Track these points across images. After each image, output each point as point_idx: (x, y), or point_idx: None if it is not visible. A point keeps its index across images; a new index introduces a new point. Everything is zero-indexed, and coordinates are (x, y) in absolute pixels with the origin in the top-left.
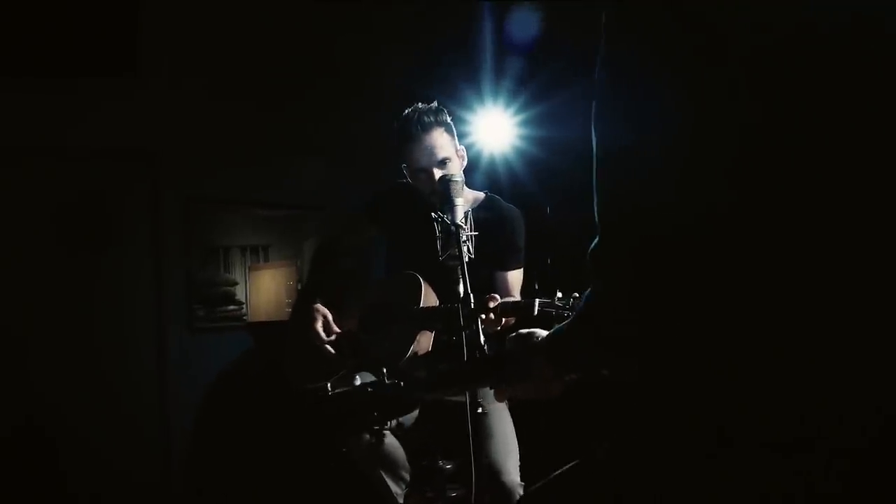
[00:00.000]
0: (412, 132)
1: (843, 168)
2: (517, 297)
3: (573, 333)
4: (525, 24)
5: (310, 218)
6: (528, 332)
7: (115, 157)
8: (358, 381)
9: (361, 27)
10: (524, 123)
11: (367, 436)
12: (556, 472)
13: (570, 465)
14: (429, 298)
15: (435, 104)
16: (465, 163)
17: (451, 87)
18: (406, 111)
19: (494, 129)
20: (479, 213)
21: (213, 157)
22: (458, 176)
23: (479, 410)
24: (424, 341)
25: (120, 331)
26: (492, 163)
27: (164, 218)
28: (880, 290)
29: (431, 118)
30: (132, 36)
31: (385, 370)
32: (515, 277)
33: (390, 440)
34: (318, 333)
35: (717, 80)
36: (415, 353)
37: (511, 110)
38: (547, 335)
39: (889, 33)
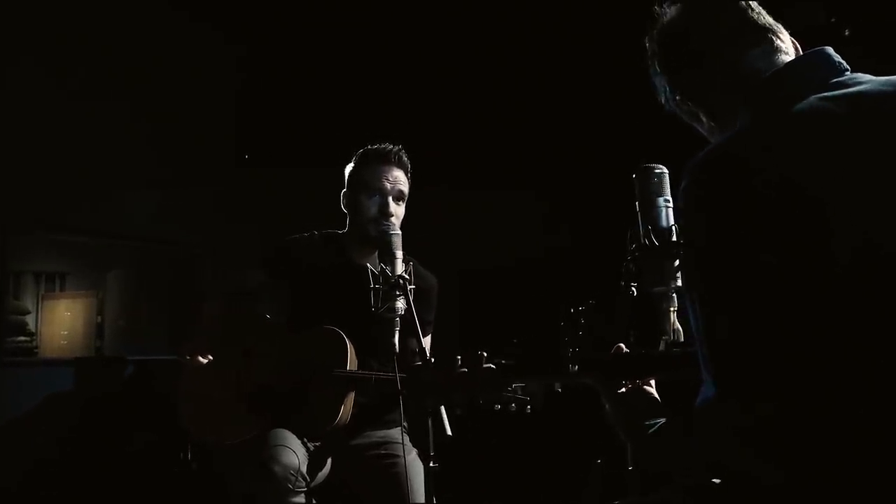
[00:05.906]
0: (389, 157)
1: None
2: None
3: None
4: None
5: (116, 247)
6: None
7: None
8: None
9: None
10: None
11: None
12: None
13: None
14: (353, 358)
15: None
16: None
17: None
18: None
19: None
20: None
21: (29, 180)
22: (398, 230)
23: (432, 464)
24: (349, 404)
25: None
26: None
27: None
28: None
29: (406, 160)
30: None
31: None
32: (428, 343)
33: (303, 499)
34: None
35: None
36: (343, 419)
37: None
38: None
39: None
